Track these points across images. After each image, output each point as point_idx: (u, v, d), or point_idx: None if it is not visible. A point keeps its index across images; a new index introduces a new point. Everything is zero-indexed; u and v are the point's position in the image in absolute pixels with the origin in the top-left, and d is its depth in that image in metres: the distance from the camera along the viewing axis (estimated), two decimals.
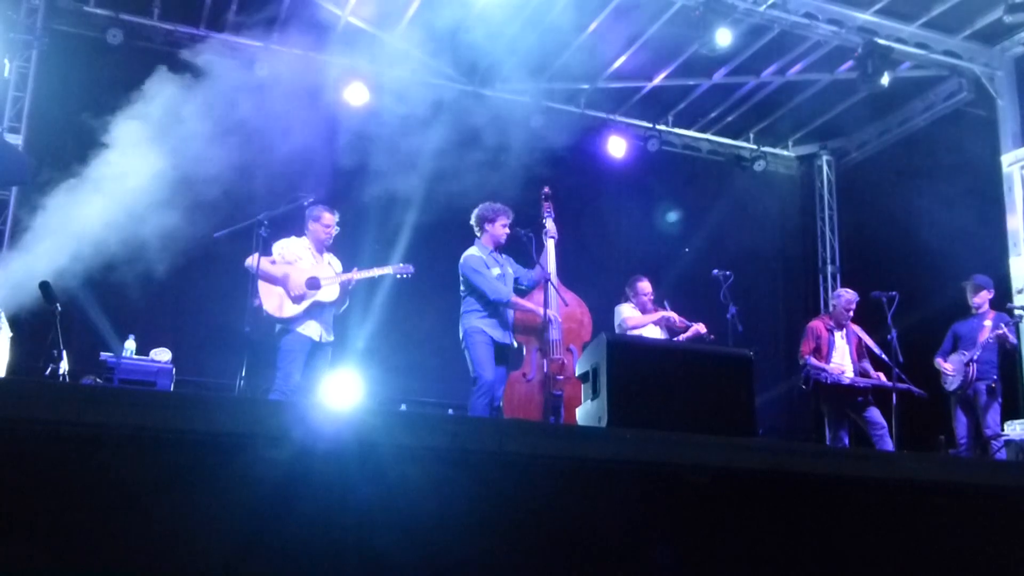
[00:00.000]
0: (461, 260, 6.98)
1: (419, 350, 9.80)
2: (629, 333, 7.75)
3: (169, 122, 8.49)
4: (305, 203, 7.02)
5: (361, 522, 2.73)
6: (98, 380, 7.48)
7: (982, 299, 8.52)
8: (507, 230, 6.97)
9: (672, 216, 12.06)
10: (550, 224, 6.89)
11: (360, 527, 2.73)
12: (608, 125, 11.79)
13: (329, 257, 7.08)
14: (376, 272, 6.92)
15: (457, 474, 2.88)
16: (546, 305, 6.56)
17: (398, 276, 6.99)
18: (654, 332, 7.90)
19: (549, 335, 6.50)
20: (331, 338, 6.92)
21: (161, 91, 9.41)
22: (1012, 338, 8.30)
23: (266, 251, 6.63)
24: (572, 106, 11.59)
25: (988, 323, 8.34)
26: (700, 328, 7.76)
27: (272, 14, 9.89)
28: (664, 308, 7.94)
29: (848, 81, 10.48)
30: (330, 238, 7.05)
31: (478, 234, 7.07)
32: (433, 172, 9.76)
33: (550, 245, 6.99)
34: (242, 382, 6.64)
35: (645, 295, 7.99)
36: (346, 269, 7.04)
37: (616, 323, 7.94)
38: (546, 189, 7.11)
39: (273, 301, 6.67)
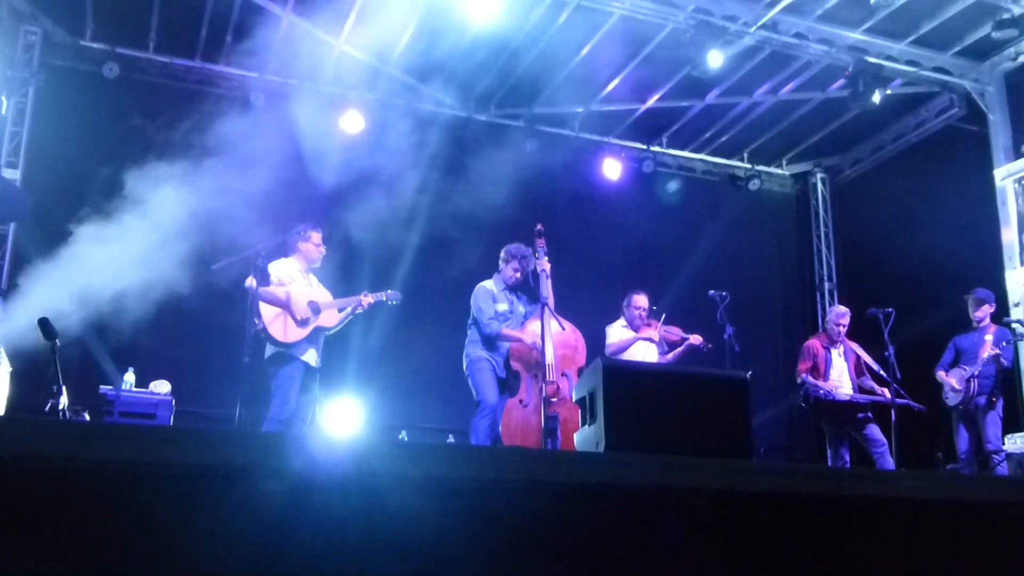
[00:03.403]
0: (474, 289, 7.11)
1: (419, 376, 9.80)
2: (618, 356, 7.72)
3: (166, 153, 8.55)
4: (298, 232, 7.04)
5: (361, 552, 2.73)
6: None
7: (984, 313, 8.53)
8: (516, 274, 7.05)
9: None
10: (544, 260, 6.91)
11: (360, 557, 2.73)
12: (603, 148, 11.86)
13: (313, 279, 7.04)
14: (371, 299, 6.93)
15: (456, 502, 2.88)
16: (543, 328, 6.59)
17: (389, 303, 7.06)
18: (649, 348, 7.86)
19: (543, 360, 6.53)
20: (321, 364, 6.90)
21: (157, 123, 9.49)
22: (1005, 361, 8.32)
23: (264, 282, 6.60)
24: (566, 130, 11.67)
25: (989, 338, 8.34)
26: (694, 340, 7.73)
27: (267, 44, 9.97)
28: (658, 324, 7.91)
29: (840, 99, 10.54)
30: (321, 257, 7.04)
31: (499, 268, 7.16)
32: (429, 198, 9.83)
33: (543, 278, 7.00)
34: (241, 412, 6.60)
35: (638, 309, 7.91)
36: (334, 294, 7.05)
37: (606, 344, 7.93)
38: (539, 226, 7.13)
39: (278, 325, 6.56)
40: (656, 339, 7.84)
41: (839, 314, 8.44)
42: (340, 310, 6.89)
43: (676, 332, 7.85)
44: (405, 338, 9.50)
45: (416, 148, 10.10)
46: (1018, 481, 6.46)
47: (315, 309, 6.72)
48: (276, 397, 6.54)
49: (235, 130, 8.69)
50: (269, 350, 6.63)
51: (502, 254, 7.18)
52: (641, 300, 7.97)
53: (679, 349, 7.77)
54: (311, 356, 6.71)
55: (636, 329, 7.90)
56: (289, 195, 8.87)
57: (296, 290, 6.74)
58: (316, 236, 7.01)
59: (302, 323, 6.64)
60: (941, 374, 8.51)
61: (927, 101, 11.04)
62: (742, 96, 11.07)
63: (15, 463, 2.43)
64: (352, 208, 9.42)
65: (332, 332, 6.98)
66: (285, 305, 6.63)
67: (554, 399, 6.41)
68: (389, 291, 7.11)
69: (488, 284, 7.11)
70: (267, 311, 6.56)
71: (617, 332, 7.91)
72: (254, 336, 6.54)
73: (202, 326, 8.89)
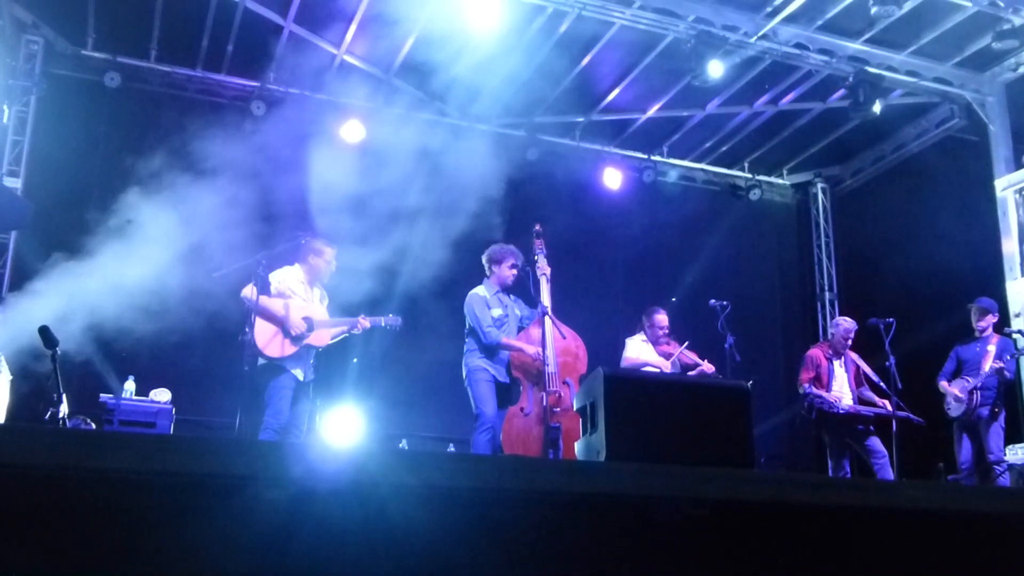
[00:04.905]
0: (467, 298, 7.00)
1: (420, 385, 9.79)
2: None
3: (166, 162, 8.56)
4: (303, 240, 7.00)
5: (362, 560, 2.73)
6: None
7: (987, 323, 8.52)
8: (514, 272, 6.97)
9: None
10: (542, 262, 6.87)
11: (361, 565, 2.73)
12: (603, 157, 11.87)
13: (319, 291, 7.02)
14: (368, 323, 6.88)
15: (457, 511, 2.87)
16: (543, 339, 6.56)
17: (387, 327, 6.99)
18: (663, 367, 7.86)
19: (544, 369, 6.49)
20: (312, 377, 6.87)
21: (158, 132, 9.50)
22: (1008, 373, 8.32)
23: (264, 290, 6.59)
24: (567, 139, 11.69)
25: (992, 348, 8.34)
26: (707, 368, 7.71)
27: (268, 54, 9.99)
28: (680, 346, 7.90)
29: (840, 109, 10.57)
30: (329, 274, 7.01)
31: (487, 274, 7.09)
32: (430, 207, 9.81)
33: (543, 281, 6.97)
34: (241, 420, 6.58)
35: (661, 329, 7.93)
36: (334, 306, 7.03)
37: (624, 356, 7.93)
38: (537, 227, 7.09)
39: (267, 338, 6.53)
40: (673, 355, 7.82)
41: (848, 329, 8.41)
42: (334, 327, 6.87)
43: (692, 357, 7.85)
44: (405, 346, 9.48)
45: (417, 158, 10.10)
46: (1019, 492, 6.45)
47: (310, 326, 6.69)
48: (269, 407, 6.53)
49: (236, 139, 8.69)
50: (261, 360, 6.60)
51: (490, 256, 7.07)
52: (662, 319, 7.98)
53: (690, 373, 7.76)
54: (299, 372, 6.69)
55: (656, 344, 7.90)
56: (289, 204, 8.86)
57: (294, 304, 6.71)
58: (329, 253, 6.96)
59: (295, 340, 6.62)
60: (944, 384, 8.50)
61: (928, 111, 11.06)
62: (743, 106, 11.08)
63: (16, 471, 2.42)
64: (352, 217, 9.41)
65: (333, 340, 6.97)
66: (282, 321, 6.62)
67: (556, 408, 6.37)
68: (389, 316, 7.01)
69: (480, 291, 7.01)
70: (261, 324, 6.53)
71: (636, 347, 7.92)
72: (245, 343, 6.52)
73: (202, 335, 8.86)
